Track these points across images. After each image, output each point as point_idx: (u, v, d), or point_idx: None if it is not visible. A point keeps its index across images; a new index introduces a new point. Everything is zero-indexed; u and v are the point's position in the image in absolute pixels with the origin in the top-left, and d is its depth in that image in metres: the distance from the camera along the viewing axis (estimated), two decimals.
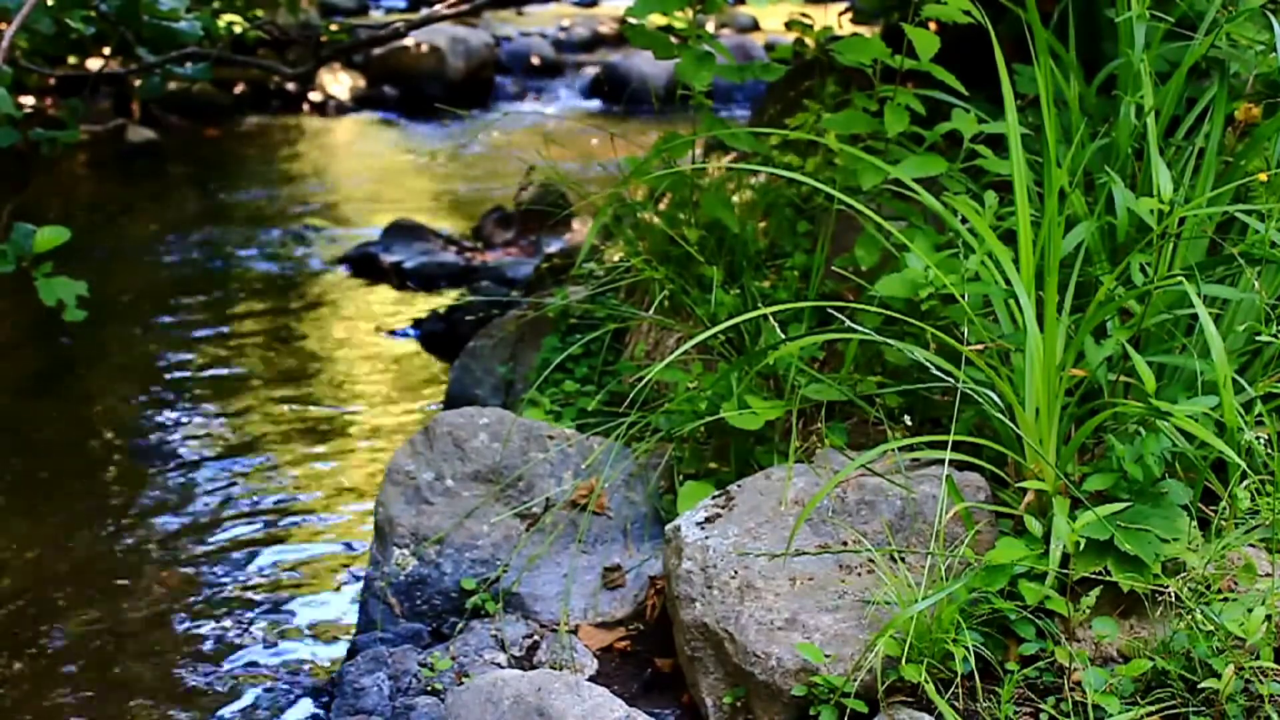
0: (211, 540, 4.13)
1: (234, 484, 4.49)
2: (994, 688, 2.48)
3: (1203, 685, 2.36)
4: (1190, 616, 2.45)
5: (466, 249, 6.93)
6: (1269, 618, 2.35)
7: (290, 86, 10.63)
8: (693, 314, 3.59)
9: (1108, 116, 3.32)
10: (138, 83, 6.94)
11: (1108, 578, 2.50)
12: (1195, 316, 2.69)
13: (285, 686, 3.36)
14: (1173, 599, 2.51)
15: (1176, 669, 2.42)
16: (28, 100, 8.52)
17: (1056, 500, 2.59)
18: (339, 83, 10.94)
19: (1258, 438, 2.60)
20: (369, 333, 5.94)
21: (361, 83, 11.04)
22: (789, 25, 4.25)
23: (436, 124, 10.21)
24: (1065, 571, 2.54)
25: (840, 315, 2.89)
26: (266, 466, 4.62)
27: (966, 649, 2.43)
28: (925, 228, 3.28)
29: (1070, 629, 2.54)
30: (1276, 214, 2.88)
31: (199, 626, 3.66)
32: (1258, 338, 2.78)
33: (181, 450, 4.74)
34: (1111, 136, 3.20)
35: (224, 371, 5.48)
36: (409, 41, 10.65)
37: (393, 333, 5.92)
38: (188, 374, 5.44)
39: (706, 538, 2.80)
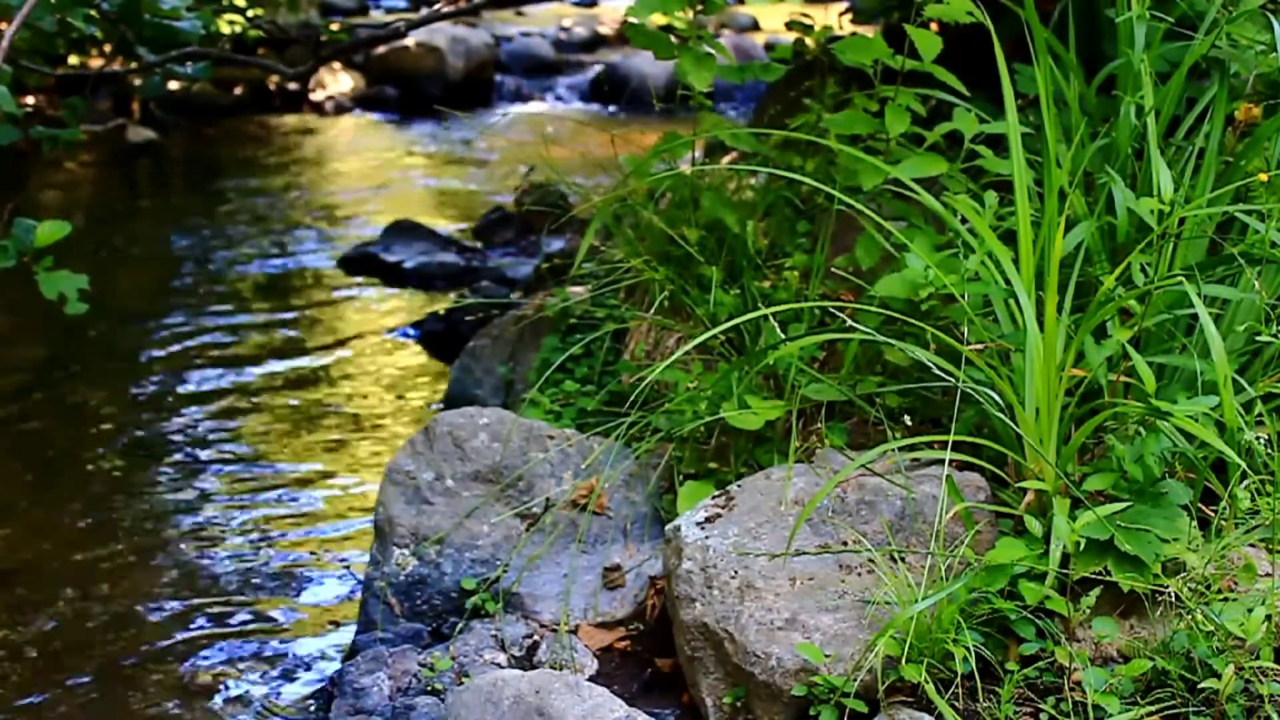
0: (210, 540, 4.13)
1: (233, 483, 4.49)
2: (994, 688, 2.48)
3: (1203, 685, 2.36)
4: (1190, 616, 2.45)
5: (466, 249, 6.93)
6: (1269, 618, 2.35)
7: (290, 86, 10.63)
8: (693, 314, 3.59)
9: (1108, 116, 3.32)
10: (138, 82, 6.95)
11: (1108, 578, 2.50)
12: (1195, 316, 2.69)
13: (285, 686, 3.36)
14: (1173, 599, 2.51)
15: (1176, 669, 2.42)
16: (28, 100, 8.52)
17: (1056, 500, 2.59)
18: (339, 82, 10.94)
19: (1258, 438, 2.60)
20: (369, 333, 5.94)
21: (361, 83, 11.04)
22: (789, 25, 4.25)
23: (436, 124, 10.20)
24: (1065, 571, 2.54)
25: (840, 315, 2.89)
26: (266, 466, 4.62)
27: (966, 649, 2.43)
28: (925, 228, 3.28)
29: (1070, 629, 2.54)
30: (1276, 214, 2.88)
31: (198, 626, 3.66)
32: (1258, 338, 2.78)
33: (180, 450, 4.74)
34: (1111, 136, 3.20)
35: (223, 371, 5.47)
36: (409, 41, 10.65)
37: (393, 332, 5.92)
38: (186, 374, 5.44)
39: (706, 538, 2.80)
